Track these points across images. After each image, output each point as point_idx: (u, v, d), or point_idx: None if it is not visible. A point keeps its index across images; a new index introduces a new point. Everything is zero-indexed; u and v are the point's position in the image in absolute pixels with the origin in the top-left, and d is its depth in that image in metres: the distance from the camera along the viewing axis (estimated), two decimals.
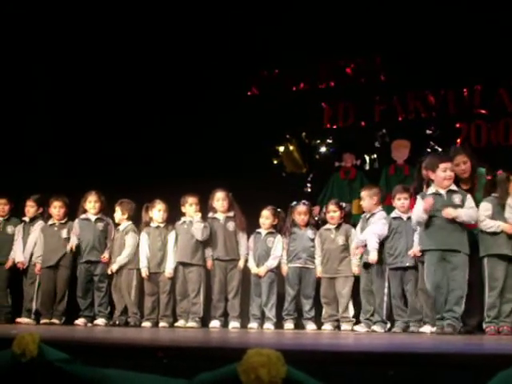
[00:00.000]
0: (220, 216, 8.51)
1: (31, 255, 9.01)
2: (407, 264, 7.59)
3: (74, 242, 8.77)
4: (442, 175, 6.88)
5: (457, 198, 6.84)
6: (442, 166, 6.90)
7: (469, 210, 6.83)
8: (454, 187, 6.87)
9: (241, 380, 2.55)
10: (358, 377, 2.86)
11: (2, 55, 10.29)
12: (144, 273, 8.54)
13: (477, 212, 6.88)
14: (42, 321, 8.78)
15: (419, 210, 6.88)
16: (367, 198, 8.04)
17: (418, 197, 7.02)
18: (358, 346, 4.33)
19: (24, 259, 8.98)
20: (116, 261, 8.62)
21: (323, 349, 3.70)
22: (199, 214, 8.42)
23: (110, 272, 8.64)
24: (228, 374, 2.59)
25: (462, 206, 6.81)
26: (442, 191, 6.86)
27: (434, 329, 7.03)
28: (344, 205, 8.45)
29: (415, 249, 7.34)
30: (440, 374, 2.81)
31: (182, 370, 3.08)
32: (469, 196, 6.88)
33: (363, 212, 8.24)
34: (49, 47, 10.52)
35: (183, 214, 8.61)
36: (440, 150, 9.38)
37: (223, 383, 2.62)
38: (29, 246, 9.03)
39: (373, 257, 7.68)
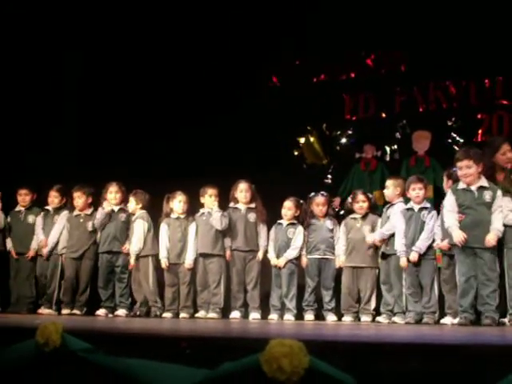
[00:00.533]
0: (241, 207, 8.52)
1: (56, 244, 9.05)
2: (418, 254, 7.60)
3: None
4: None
5: (487, 195, 6.81)
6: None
7: (501, 228, 6.76)
8: (485, 183, 6.84)
9: (263, 370, 2.55)
10: (381, 367, 2.85)
11: (34, 41, 10.34)
12: (164, 263, 8.56)
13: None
14: (64, 311, 8.84)
15: (452, 225, 6.88)
16: (392, 187, 8.04)
17: (449, 191, 7.02)
18: (380, 336, 4.32)
19: (47, 247, 9.03)
20: (131, 253, 8.67)
21: (345, 339, 3.69)
22: (216, 204, 8.43)
23: (132, 264, 8.67)
24: (250, 364, 2.59)
25: (491, 203, 6.78)
26: (473, 187, 6.83)
27: (455, 320, 7.03)
28: (370, 196, 8.43)
29: (442, 244, 7.30)
30: (465, 365, 2.79)
31: (204, 360, 3.08)
32: (499, 193, 6.81)
33: (384, 202, 8.23)
34: (83, 35, 10.53)
35: (202, 206, 8.62)
36: (461, 140, 9.35)
37: (246, 373, 2.62)
38: (54, 235, 9.06)
39: (402, 263, 7.69)
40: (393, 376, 2.83)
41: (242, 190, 8.51)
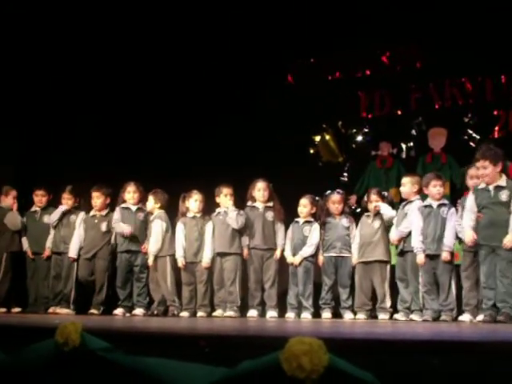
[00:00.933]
0: (259, 205, 8.52)
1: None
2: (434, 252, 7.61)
3: (127, 229, 8.83)
4: None
5: (504, 195, 6.80)
6: None
7: None
8: (503, 182, 6.82)
9: (283, 368, 2.55)
10: (401, 365, 2.85)
11: (56, 43, 10.41)
12: (180, 262, 8.57)
13: None
14: (81, 311, 8.87)
15: (465, 225, 7.04)
16: (408, 184, 8.03)
17: (470, 192, 7.04)
18: (400, 334, 4.31)
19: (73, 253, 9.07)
20: (149, 253, 8.68)
21: (363, 337, 3.69)
22: (231, 203, 8.44)
23: (150, 264, 8.69)
24: (270, 363, 2.59)
25: (508, 202, 6.77)
26: (490, 187, 6.82)
27: (480, 317, 7.07)
28: (386, 194, 8.41)
29: (468, 239, 7.29)
30: (483, 363, 2.78)
31: (222, 358, 3.08)
32: None
33: (401, 200, 8.22)
34: (101, 36, 10.58)
35: (218, 205, 8.63)
36: (477, 137, 9.32)
37: (265, 372, 2.62)
38: (75, 240, 9.07)
39: (419, 260, 7.68)
40: (411, 374, 2.82)
41: (260, 189, 8.51)
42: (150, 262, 8.62)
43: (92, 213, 9.10)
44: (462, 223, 7.15)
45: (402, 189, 8.13)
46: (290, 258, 8.41)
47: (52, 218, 9.21)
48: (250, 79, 10.12)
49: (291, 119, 9.98)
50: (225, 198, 8.52)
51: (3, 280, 9.26)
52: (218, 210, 8.62)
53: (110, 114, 10.73)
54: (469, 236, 6.96)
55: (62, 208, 9.18)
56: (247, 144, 9.93)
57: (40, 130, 10.71)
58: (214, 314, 8.39)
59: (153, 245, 8.63)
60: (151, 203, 8.77)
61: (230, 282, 8.39)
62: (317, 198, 8.56)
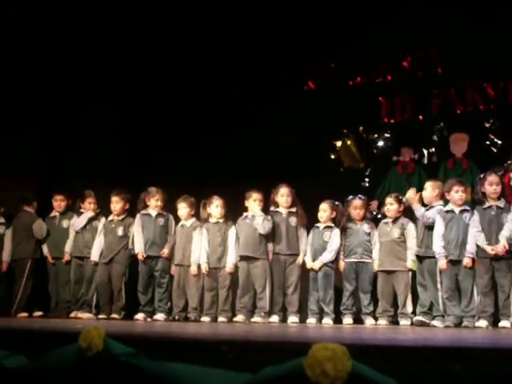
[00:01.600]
0: (283, 211, 8.54)
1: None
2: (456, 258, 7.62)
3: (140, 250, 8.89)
4: None
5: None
6: None
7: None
8: None
9: (306, 374, 2.55)
10: (424, 372, 2.84)
11: (77, 47, 10.49)
12: (204, 268, 8.59)
13: None
14: (101, 316, 8.89)
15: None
16: (429, 189, 8.02)
17: None
18: (422, 340, 4.29)
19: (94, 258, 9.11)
20: (192, 261, 8.67)
21: (385, 343, 3.67)
22: (258, 208, 8.45)
23: (192, 273, 8.67)
24: (293, 369, 2.59)
25: None
26: None
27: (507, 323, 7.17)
28: (404, 199, 8.38)
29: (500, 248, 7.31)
30: (505, 369, 2.77)
31: (245, 364, 3.08)
32: None
33: (422, 205, 8.20)
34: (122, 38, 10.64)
35: (246, 210, 8.64)
36: (499, 142, 9.28)
37: (289, 377, 2.62)
38: (97, 245, 9.11)
39: (441, 265, 7.67)
40: (434, 380, 2.81)
41: (283, 195, 8.52)
42: (194, 270, 8.62)
43: (110, 217, 9.15)
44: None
45: (423, 193, 8.11)
46: (309, 264, 8.40)
47: (78, 224, 9.24)
48: (271, 85, 10.12)
49: (312, 125, 9.96)
50: (253, 203, 8.53)
51: (26, 285, 9.31)
52: (245, 213, 8.63)
53: (129, 119, 10.76)
54: (501, 245, 7.11)
55: (87, 214, 9.21)
56: (268, 149, 9.92)
57: (58, 135, 10.75)
58: (235, 319, 8.39)
59: (199, 253, 8.64)
60: (185, 210, 8.79)
61: (261, 289, 8.39)
62: (336, 203, 8.55)
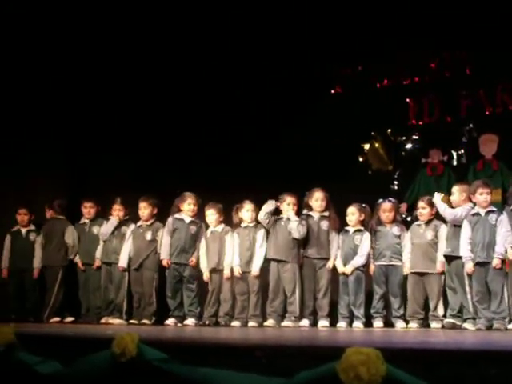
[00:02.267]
0: (315, 215, 8.53)
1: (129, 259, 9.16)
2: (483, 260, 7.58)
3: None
4: None
5: None
6: None
7: None
8: None
9: (340, 379, 2.54)
10: (458, 375, 2.82)
11: (102, 52, 10.57)
12: (237, 272, 8.59)
13: None
14: (132, 321, 8.93)
15: None
16: (457, 193, 7.98)
17: None
18: (454, 343, 4.27)
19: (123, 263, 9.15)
20: (225, 265, 8.68)
21: (417, 346, 3.66)
22: (292, 212, 8.45)
23: (225, 277, 8.68)
24: (327, 373, 2.59)
25: None
26: None
27: None
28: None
29: None
30: None
31: (278, 369, 3.08)
32: None
33: (451, 207, 8.16)
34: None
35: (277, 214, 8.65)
36: None
37: (322, 382, 2.62)
38: (125, 250, 9.15)
39: (468, 269, 7.64)
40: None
41: (318, 199, 8.52)
42: (227, 274, 8.62)
43: (139, 223, 9.17)
44: None
45: (451, 198, 8.07)
46: (341, 268, 8.38)
47: (104, 232, 9.28)
48: (299, 90, 10.12)
49: (340, 128, 9.94)
50: (287, 206, 8.53)
51: (58, 292, 9.38)
52: (281, 215, 8.62)
53: (158, 124, 10.79)
54: None
55: (113, 222, 9.25)
56: (297, 153, 9.92)
57: (86, 141, 10.81)
58: (266, 323, 8.37)
59: (232, 258, 8.65)
60: (215, 216, 8.81)
61: (291, 293, 8.37)
62: (363, 205, 8.53)
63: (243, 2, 10.01)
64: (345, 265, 8.37)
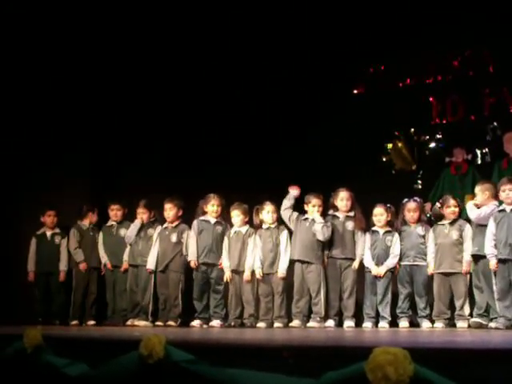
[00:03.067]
0: (340, 215, 8.52)
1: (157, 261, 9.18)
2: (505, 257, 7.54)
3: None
4: None
5: None
6: None
7: None
8: None
9: (368, 379, 2.54)
10: (485, 375, 2.81)
11: (125, 58, 10.66)
12: (258, 274, 8.60)
13: None
14: (158, 323, 8.95)
15: None
16: (480, 193, 7.95)
17: None
18: (481, 342, 4.25)
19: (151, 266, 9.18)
20: (247, 266, 8.65)
21: (444, 346, 3.65)
22: (317, 214, 8.46)
23: (245, 279, 8.67)
24: (355, 373, 2.59)
25: None
26: None
27: None
28: (436, 207, 8.39)
29: None
30: None
31: (306, 369, 3.08)
32: None
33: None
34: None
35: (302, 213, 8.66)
36: None
37: (350, 382, 2.62)
38: (153, 253, 9.17)
39: (491, 265, 7.61)
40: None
41: (343, 199, 8.51)
42: (248, 276, 8.61)
43: (165, 225, 9.20)
44: None
45: (476, 199, 8.02)
46: (374, 270, 8.35)
47: (129, 235, 9.33)
48: (321, 90, 10.12)
49: (363, 127, 9.93)
50: (312, 208, 8.52)
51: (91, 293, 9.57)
52: (306, 215, 8.62)
53: (183, 127, 10.82)
54: None
55: (136, 224, 9.29)
56: (321, 153, 9.93)
57: (111, 144, 10.88)
58: (291, 324, 8.36)
59: (254, 260, 8.65)
60: (240, 217, 8.80)
61: (315, 294, 8.37)
62: (388, 205, 8.51)
63: (267, 3, 10.06)
64: (376, 265, 8.37)
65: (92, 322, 9.41)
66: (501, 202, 7.78)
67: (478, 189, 8.02)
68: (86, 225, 9.73)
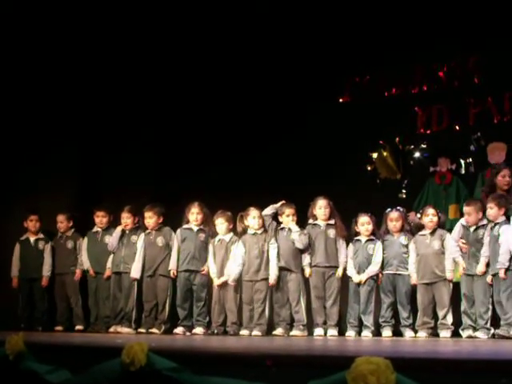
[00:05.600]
0: (321, 223, 8.54)
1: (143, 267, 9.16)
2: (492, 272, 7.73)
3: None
4: None
5: None
6: None
7: None
8: None
9: None
10: None
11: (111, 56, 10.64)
12: (231, 280, 8.57)
13: None
14: (140, 330, 8.92)
15: None
16: (473, 213, 8.00)
17: None
18: (464, 353, 4.26)
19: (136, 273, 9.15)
20: (227, 273, 8.64)
21: (427, 356, 3.65)
22: (293, 223, 8.48)
23: (216, 284, 8.69)
24: (337, 382, 2.59)
25: None
26: None
27: None
28: (440, 214, 8.40)
29: None
30: None
31: (286, 378, 3.08)
32: None
33: (461, 217, 8.18)
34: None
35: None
36: None
37: None
38: (138, 259, 9.14)
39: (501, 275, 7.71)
40: None
41: (321, 207, 8.52)
42: (232, 282, 8.59)
43: (147, 231, 9.17)
44: None
45: (468, 220, 8.05)
46: (355, 277, 8.38)
47: (111, 243, 9.30)
48: (306, 98, 10.12)
49: (348, 137, 9.94)
50: (287, 218, 8.56)
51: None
52: (282, 225, 8.62)
53: (169, 131, 10.82)
54: None
55: (118, 231, 9.27)
56: (305, 162, 9.93)
57: (98, 150, 10.85)
58: (274, 332, 8.37)
59: (235, 268, 8.62)
60: (224, 225, 8.78)
61: (296, 302, 8.38)
62: (369, 214, 8.54)
63: (253, 11, 10.07)
64: (358, 273, 8.38)
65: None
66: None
67: (470, 209, 8.03)
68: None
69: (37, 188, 10.04)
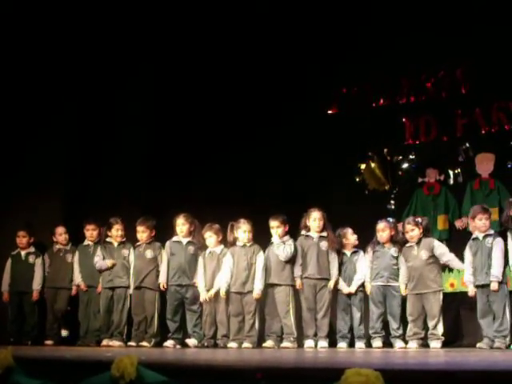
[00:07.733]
0: (314, 235, 8.54)
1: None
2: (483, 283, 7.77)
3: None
4: None
5: None
6: None
7: None
8: None
9: None
10: None
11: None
12: (222, 293, 8.57)
13: None
14: (130, 343, 8.89)
15: None
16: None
17: None
18: (454, 364, 4.26)
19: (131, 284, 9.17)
20: (217, 285, 8.63)
21: (418, 368, 3.65)
22: (275, 235, 8.49)
23: (204, 299, 8.67)
24: None
25: None
26: None
27: None
28: (420, 220, 8.40)
29: None
30: None
31: None
32: None
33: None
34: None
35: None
36: None
37: None
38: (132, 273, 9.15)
39: (470, 292, 7.91)
40: None
41: (315, 219, 8.53)
42: (223, 294, 8.57)
43: (138, 243, 9.16)
44: None
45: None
46: (346, 289, 8.42)
47: (98, 266, 9.28)
48: (294, 110, 10.14)
49: (336, 148, 9.96)
50: (272, 230, 8.55)
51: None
52: (272, 239, 8.63)
53: (158, 140, 10.82)
54: None
55: (99, 253, 9.30)
56: (292, 174, 9.94)
57: (85, 163, 10.82)
58: (265, 345, 8.36)
59: (225, 279, 8.61)
60: (213, 238, 8.77)
61: (284, 314, 8.37)
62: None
63: (243, 22, 10.12)
64: (348, 287, 8.43)
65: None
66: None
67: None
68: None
69: (29, 202, 10.00)
